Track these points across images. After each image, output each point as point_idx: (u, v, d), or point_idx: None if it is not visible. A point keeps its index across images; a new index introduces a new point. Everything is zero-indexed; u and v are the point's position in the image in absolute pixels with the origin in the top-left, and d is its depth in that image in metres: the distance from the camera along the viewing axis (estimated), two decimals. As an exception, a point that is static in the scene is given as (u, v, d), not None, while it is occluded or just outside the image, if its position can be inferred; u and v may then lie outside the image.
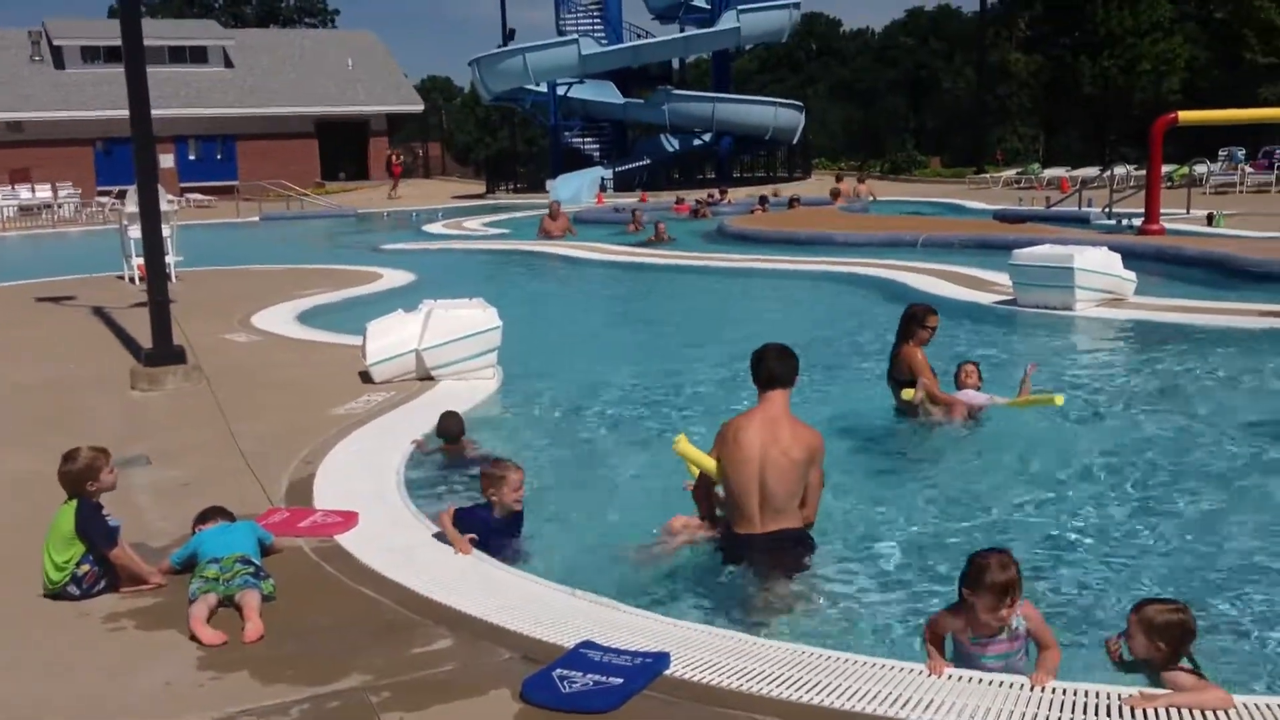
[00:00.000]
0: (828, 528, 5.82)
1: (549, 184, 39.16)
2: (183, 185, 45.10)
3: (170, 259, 14.75)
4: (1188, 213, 23.06)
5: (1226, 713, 3.65)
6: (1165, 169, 24.23)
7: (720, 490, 5.65)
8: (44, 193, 39.76)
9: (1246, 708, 3.68)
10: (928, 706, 3.75)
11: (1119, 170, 31.44)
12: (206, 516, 5.46)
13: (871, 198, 32.09)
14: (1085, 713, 3.69)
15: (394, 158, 49.49)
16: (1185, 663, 3.91)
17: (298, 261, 20.51)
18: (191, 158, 50.37)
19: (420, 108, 57.20)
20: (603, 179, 40.68)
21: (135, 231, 14.60)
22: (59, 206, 38.54)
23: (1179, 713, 3.65)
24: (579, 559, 5.60)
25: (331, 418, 8.17)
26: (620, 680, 3.92)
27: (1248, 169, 31.75)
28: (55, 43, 49.98)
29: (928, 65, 67.85)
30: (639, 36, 46.94)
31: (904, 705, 3.77)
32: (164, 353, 9.71)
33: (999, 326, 12.03)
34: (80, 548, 4.93)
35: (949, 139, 59.58)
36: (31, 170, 44.13)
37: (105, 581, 4.99)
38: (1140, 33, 51.08)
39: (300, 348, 11.48)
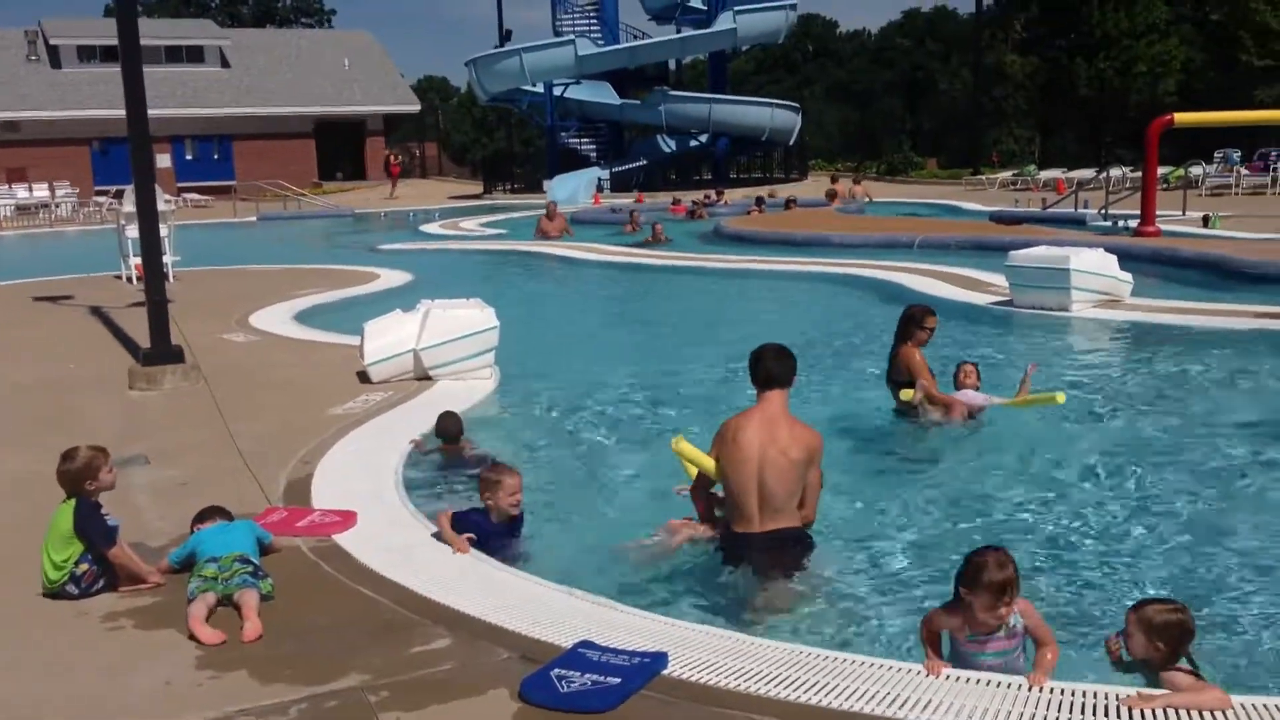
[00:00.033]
0: (827, 528, 5.83)
1: (546, 184, 39.17)
2: (180, 185, 45.07)
3: (168, 259, 14.74)
4: (1183, 214, 23.10)
5: (1224, 713, 3.65)
6: (1161, 171, 24.28)
7: (719, 490, 5.66)
8: (41, 192, 39.74)
9: (1244, 708, 3.69)
10: (925, 707, 3.76)
11: (1115, 172, 31.48)
12: (205, 516, 5.46)
13: (867, 199, 32.12)
14: (1083, 713, 3.69)
15: (392, 158, 49.47)
16: (1184, 663, 3.93)
17: (295, 261, 20.51)
18: (188, 157, 50.34)
19: (417, 108, 57.20)
20: (599, 180, 40.68)
21: (133, 231, 14.59)
22: (56, 206, 38.51)
23: (1176, 713, 3.65)
24: (577, 559, 5.61)
25: (329, 417, 8.17)
26: (618, 680, 3.92)
27: (1243, 171, 31.81)
28: (52, 42, 49.92)
29: (924, 67, 67.91)
30: (635, 37, 46.94)
31: (902, 705, 3.77)
32: (162, 352, 9.70)
33: (995, 328, 12.04)
34: (79, 547, 4.94)
35: (945, 140, 59.63)
36: (28, 170, 44.16)
37: (104, 581, 4.99)
38: (1136, 34, 51.15)
39: (298, 348, 11.48)
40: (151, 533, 5.72)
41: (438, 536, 5.53)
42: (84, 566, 4.93)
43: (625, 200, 34.90)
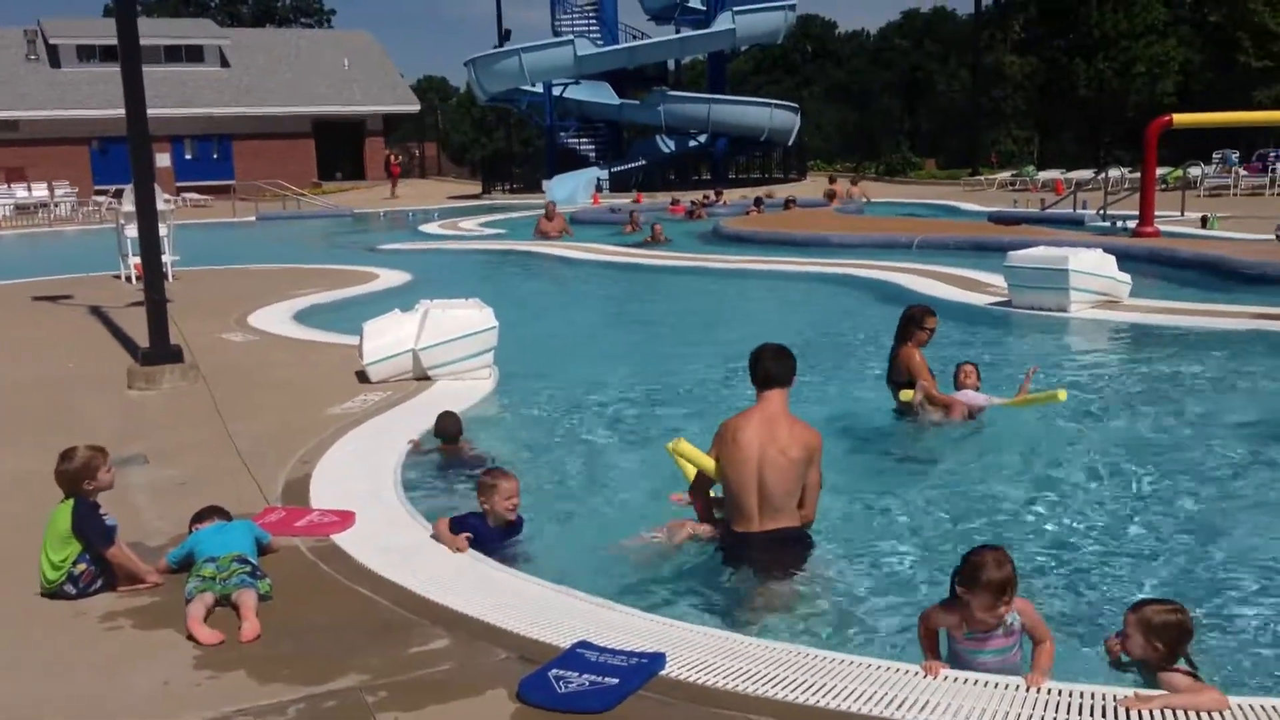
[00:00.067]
0: (826, 528, 5.83)
1: (545, 184, 39.18)
2: (179, 185, 45.04)
3: (167, 258, 14.75)
4: (1182, 215, 23.11)
5: (1221, 714, 3.66)
6: (1160, 171, 24.29)
7: (718, 490, 5.67)
8: (40, 192, 39.74)
9: (1242, 709, 3.69)
10: (923, 707, 3.76)
11: (1114, 173, 31.49)
12: (203, 516, 5.46)
13: (864, 199, 32.13)
14: (1080, 714, 3.69)
15: (392, 158, 49.48)
16: (1182, 663, 3.93)
17: (294, 261, 20.51)
18: (188, 157, 50.30)
19: (416, 108, 57.17)
20: (598, 180, 40.69)
21: (132, 231, 14.59)
22: (55, 205, 38.51)
23: (1174, 714, 3.66)
24: (576, 558, 5.61)
25: (328, 417, 8.17)
26: (616, 680, 3.93)
27: (1241, 172, 31.84)
28: (51, 42, 49.89)
29: (923, 67, 67.92)
30: (635, 37, 46.95)
31: (900, 706, 3.77)
32: (161, 352, 9.70)
33: (994, 328, 12.05)
34: (77, 547, 4.93)
35: (944, 141, 59.66)
36: (27, 169, 44.16)
37: (102, 581, 4.98)
38: (1135, 35, 51.20)
39: (297, 347, 11.48)
40: (150, 532, 5.72)
41: (436, 539, 5.53)
42: (82, 566, 4.93)
43: (624, 200, 34.90)
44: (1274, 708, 3.70)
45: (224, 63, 52.67)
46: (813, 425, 5.64)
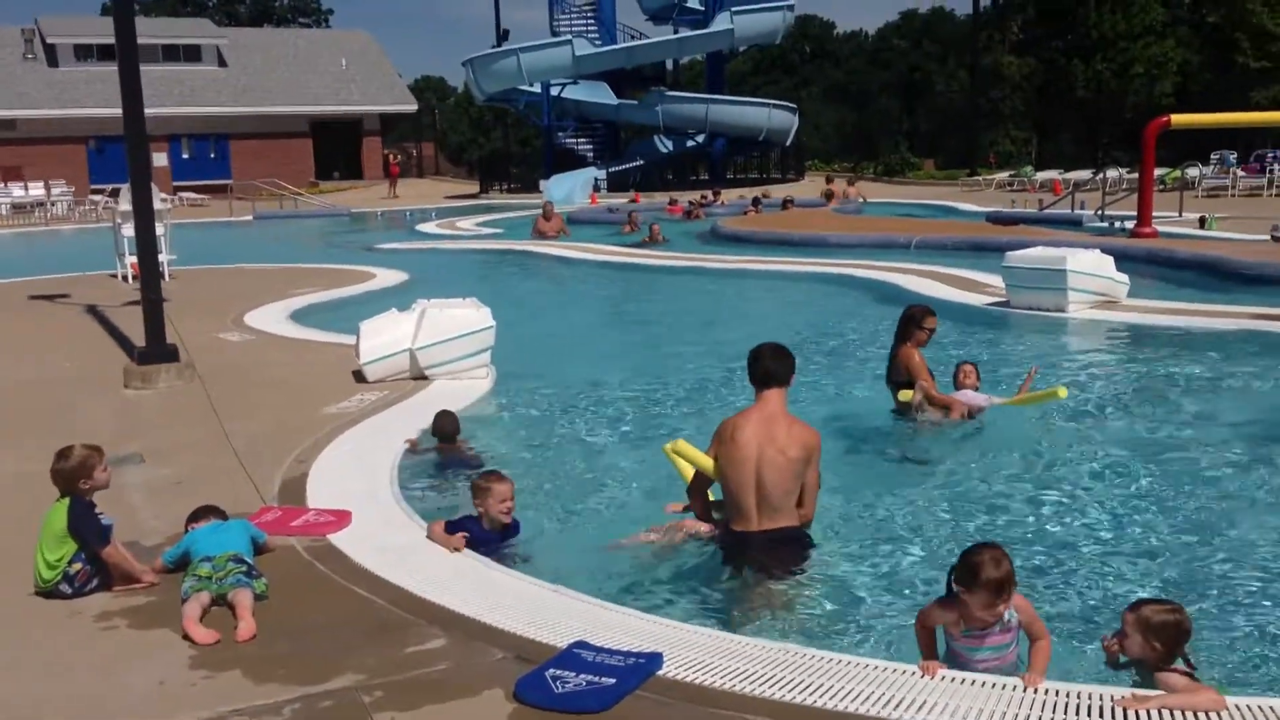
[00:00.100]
0: (825, 528, 5.82)
1: (542, 184, 39.18)
2: (176, 184, 45.07)
3: (164, 257, 14.74)
4: (1180, 216, 23.14)
5: (1219, 714, 3.65)
6: (1157, 172, 24.29)
7: (716, 490, 5.66)
8: (37, 190, 39.73)
9: (1239, 708, 3.69)
10: (920, 707, 3.75)
11: (1111, 173, 31.51)
12: (199, 515, 5.45)
13: (861, 199, 32.14)
14: (1078, 713, 3.68)
15: (392, 158, 49.47)
16: (1180, 663, 3.92)
17: (291, 261, 20.51)
18: (185, 156, 50.32)
19: (414, 108, 57.19)
20: (596, 180, 40.70)
21: (129, 230, 14.58)
22: (52, 204, 38.48)
23: (1171, 714, 3.65)
24: (573, 558, 5.60)
25: (325, 417, 8.16)
26: (613, 680, 3.91)
27: (1239, 172, 31.88)
28: (48, 40, 49.87)
29: (921, 68, 67.99)
30: (633, 37, 46.98)
31: (897, 706, 3.76)
32: (157, 351, 9.69)
33: (992, 329, 12.04)
34: (72, 546, 4.92)
35: (942, 141, 59.72)
36: (24, 168, 44.14)
37: (98, 580, 4.97)
38: (1133, 36, 51.26)
39: (293, 347, 11.47)
40: (146, 532, 5.71)
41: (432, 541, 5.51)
42: (77, 566, 4.92)
43: (622, 200, 34.90)
44: (1272, 708, 3.69)
45: (221, 62, 52.65)
46: (812, 425, 5.64)
